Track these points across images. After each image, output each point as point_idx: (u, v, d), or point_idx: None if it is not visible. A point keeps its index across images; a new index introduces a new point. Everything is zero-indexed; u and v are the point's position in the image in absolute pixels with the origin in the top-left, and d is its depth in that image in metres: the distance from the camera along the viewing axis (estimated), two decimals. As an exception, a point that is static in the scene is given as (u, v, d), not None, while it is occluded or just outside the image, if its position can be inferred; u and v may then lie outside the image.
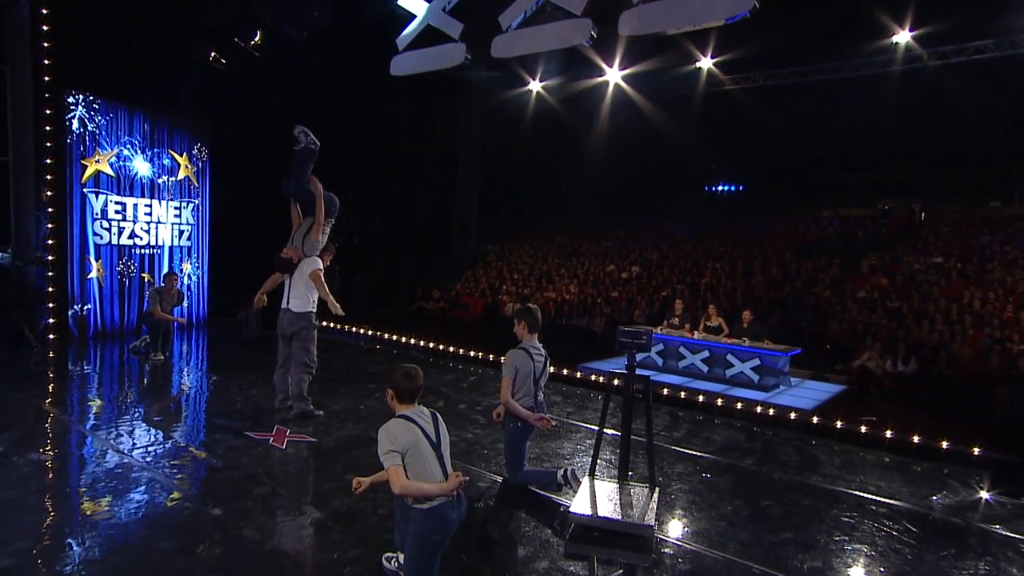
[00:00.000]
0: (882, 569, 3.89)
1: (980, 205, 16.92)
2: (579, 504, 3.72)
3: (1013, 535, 4.43)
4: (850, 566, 3.93)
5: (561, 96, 16.75)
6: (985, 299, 10.41)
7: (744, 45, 13.48)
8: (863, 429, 6.57)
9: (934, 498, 5.04)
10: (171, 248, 11.17)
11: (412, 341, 10.90)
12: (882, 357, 9.07)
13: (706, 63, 14.56)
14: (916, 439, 6.27)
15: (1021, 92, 13.94)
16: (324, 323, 6.93)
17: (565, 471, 4.64)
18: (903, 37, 12.66)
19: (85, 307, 10.01)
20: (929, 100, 14.81)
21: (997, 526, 4.58)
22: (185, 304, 10.78)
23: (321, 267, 6.25)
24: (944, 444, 6.13)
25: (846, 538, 4.27)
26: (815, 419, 6.96)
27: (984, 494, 5.16)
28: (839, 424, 6.70)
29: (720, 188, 23.58)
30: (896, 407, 8.01)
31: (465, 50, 7.44)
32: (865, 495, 5.01)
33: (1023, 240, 13.12)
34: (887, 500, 4.93)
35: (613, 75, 15.32)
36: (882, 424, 6.63)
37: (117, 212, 10.31)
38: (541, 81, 16.28)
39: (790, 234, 16.26)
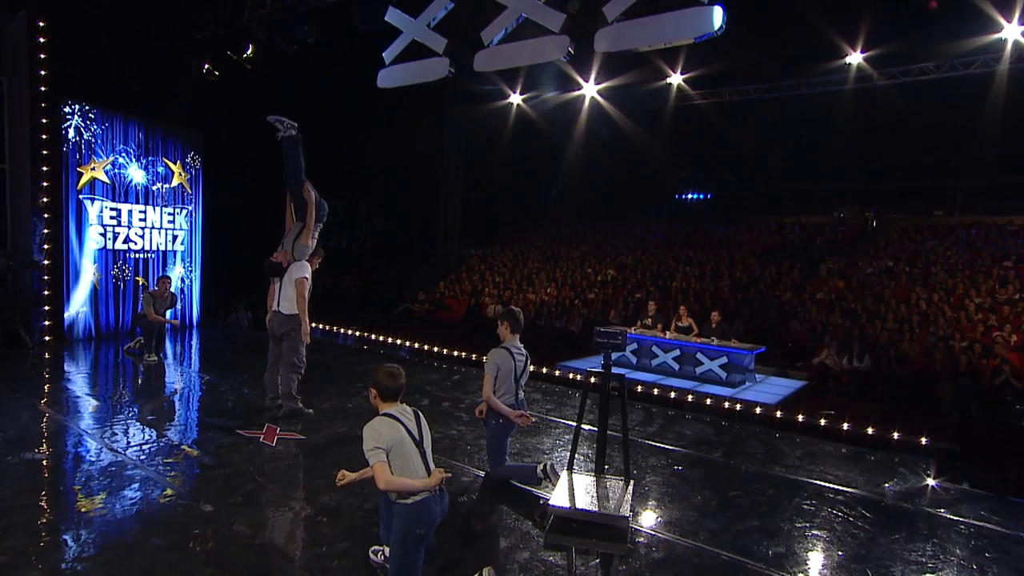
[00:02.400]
0: (840, 553, 3.94)
1: (926, 214, 17.37)
2: (558, 497, 3.71)
3: (956, 518, 4.52)
4: (811, 550, 3.97)
5: (540, 108, 16.81)
6: (930, 300, 10.66)
7: (711, 63, 13.67)
8: (822, 422, 6.68)
9: (886, 485, 5.13)
10: (165, 252, 10.95)
11: (398, 341, 10.82)
12: (839, 355, 9.23)
13: (676, 79, 14.72)
14: (870, 431, 6.39)
15: (960, 111, 14.36)
16: (313, 324, 6.83)
17: (544, 465, 4.63)
18: (855, 58, 12.95)
19: (80, 310, 9.77)
20: (880, 116, 15.17)
21: (942, 510, 4.67)
22: (178, 306, 10.55)
23: (308, 273, 6.15)
24: (895, 435, 6.25)
25: (807, 524, 4.33)
26: (778, 413, 7.06)
27: (930, 481, 5.26)
28: (800, 418, 6.80)
29: (689, 196, 23.79)
30: (852, 401, 8.16)
31: (449, 64, 7.42)
32: (824, 484, 5.08)
33: (963, 246, 13.49)
34: (844, 488, 5.00)
35: (589, 89, 15.42)
36: (839, 417, 6.74)
37: (112, 218, 10.08)
38: (521, 94, 16.31)
39: (754, 240, 16.48)
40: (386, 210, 20.63)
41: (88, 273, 9.82)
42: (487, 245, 19.15)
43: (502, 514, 4.29)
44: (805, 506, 4.64)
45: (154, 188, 10.66)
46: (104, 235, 9.99)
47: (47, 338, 9.35)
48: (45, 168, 9.22)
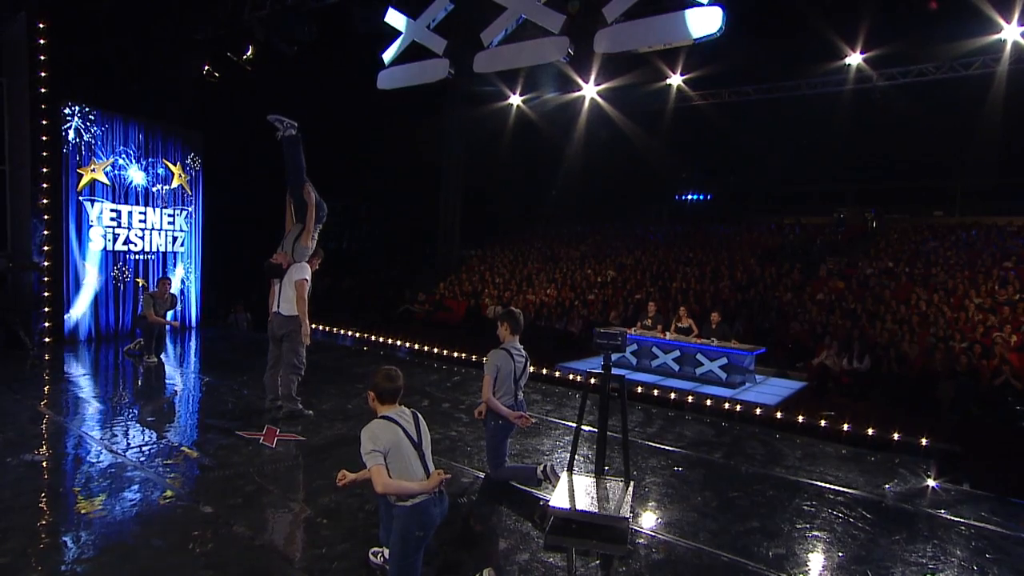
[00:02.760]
0: (840, 554, 3.94)
1: (926, 215, 17.39)
2: (558, 498, 3.71)
3: (956, 519, 4.52)
4: (811, 552, 3.97)
5: (540, 109, 16.82)
6: (930, 301, 10.65)
7: (711, 63, 13.69)
8: (822, 423, 6.67)
9: (887, 486, 5.13)
10: (165, 254, 10.95)
11: (398, 342, 10.82)
12: (839, 355, 9.22)
13: (676, 80, 14.73)
14: (870, 432, 6.38)
15: (959, 111, 14.39)
16: (313, 325, 6.81)
17: (544, 467, 4.63)
18: (855, 59, 12.96)
19: (80, 311, 9.77)
20: (879, 117, 15.18)
21: (943, 511, 4.67)
22: (178, 308, 10.56)
23: (308, 275, 6.15)
24: (895, 436, 6.25)
25: (807, 526, 4.32)
26: (778, 414, 7.05)
27: (931, 482, 5.26)
28: (800, 419, 6.79)
29: (689, 197, 23.82)
30: (852, 402, 8.15)
31: (448, 65, 7.42)
32: (824, 485, 5.08)
33: (963, 247, 13.49)
34: (844, 489, 5.00)
35: (589, 90, 15.44)
36: (840, 418, 6.73)
37: (112, 219, 10.08)
38: (521, 95, 16.32)
39: (754, 240, 16.47)
40: (386, 211, 20.64)
41: (90, 275, 9.82)
42: (487, 246, 19.15)
43: (502, 515, 4.29)
44: (805, 507, 4.63)
45: (154, 189, 10.66)
46: (104, 236, 9.99)
47: (47, 339, 9.35)
48: (45, 169, 9.22)
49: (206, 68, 10.74)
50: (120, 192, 10.16)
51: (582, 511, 3.58)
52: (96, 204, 9.84)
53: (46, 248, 9.34)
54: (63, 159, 9.36)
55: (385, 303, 15.27)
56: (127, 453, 5.10)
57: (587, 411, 4.18)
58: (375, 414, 3.04)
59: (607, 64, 13.65)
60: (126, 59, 10.10)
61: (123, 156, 10.16)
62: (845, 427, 6.52)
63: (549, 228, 20.09)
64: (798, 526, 4.30)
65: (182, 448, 5.31)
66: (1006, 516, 4.57)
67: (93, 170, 9.75)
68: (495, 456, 4.68)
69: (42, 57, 9.08)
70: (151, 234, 10.68)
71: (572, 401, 7.41)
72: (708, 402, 7.53)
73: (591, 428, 4.90)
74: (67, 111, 9.37)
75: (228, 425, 5.88)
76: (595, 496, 3.75)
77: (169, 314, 8.85)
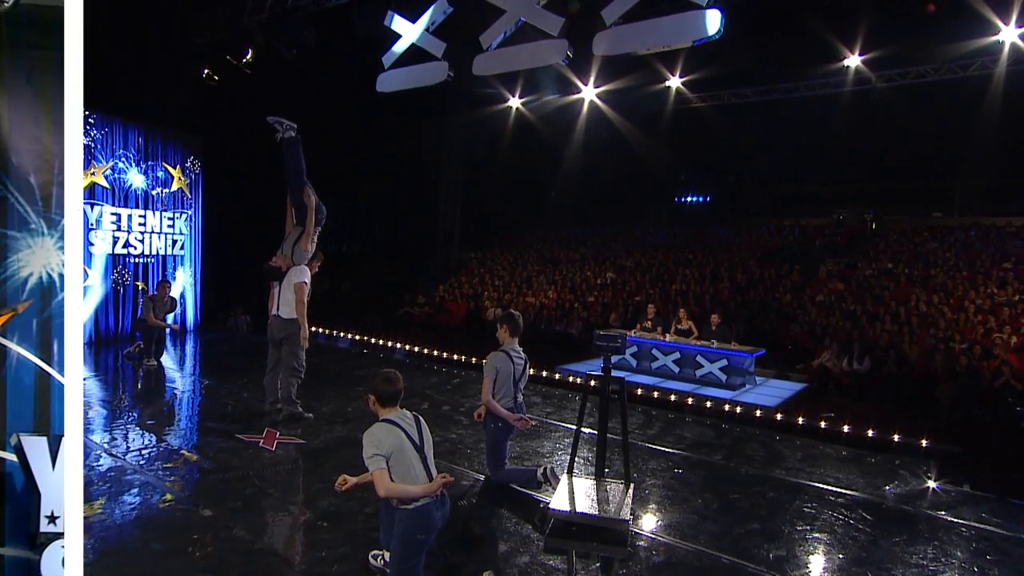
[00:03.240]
0: (841, 555, 3.93)
1: (925, 215, 17.40)
2: (558, 500, 3.70)
3: (957, 520, 4.52)
4: (811, 554, 3.97)
5: (539, 112, 16.84)
6: (929, 302, 10.65)
7: (710, 66, 13.70)
8: (822, 424, 6.66)
9: (887, 488, 5.12)
10: (164, 257, 10.94)
11: (398, 345, 10.81)
12: (839, 357, 9.20)
13: (675, 82, 14.74)
14: (870, 433, 6.37)
15: (958, 113, 14.41)
16: (313, 328, 6.80)
17: (544, 469, 4.62)
18: (854, 61, 12.99)
19: (84, 316, 9.76)
20: (878, 119, 15.21)
21: (943, 512, 4.66)
22: (177, 311, 10.55)
23: (307, 278, 6.15)
24: (896, 437, 6.24)
25: (808, 527, 4.32)
26: (779, 416, 7.04)
27: (931, 483, 5.26)
28: (800, 420, 6.78)
29: (688, 199, 23.83)
30: (852, 403, 8.14)
31: (448, 68, 7.44)
32: (825, 487, 5.07)
33: (962, 248, 13.50)
34: (845, 491, 4.99)
35: (588, 92, 15.46)
36: (840, 419, 6.72)
37: (112, 223, 10.08)
38: (520, 97, 16.34)
39: (754, 242, 16.47)
40: (385, 214, 20.66)
41: (91, 278, 9.81)
42: (486, 248, 19.15)
43: (502, 518, 4.28)
44: (806, 509, 4.63)
45: (154, 193, 10.66)
46: (104, 240, 9.99)
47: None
48: (45, 173, 9.22)
49: (206, 72, 10.77)
50: (120, 195, 10.16)
51: (582, 513, 3.57)
52: (96, 207, 9.84)
53: (46, 252, 9.33)
54: (63, 163, 9.36)
55: (385, 306, 15.26)
56: (126, 456, 5.10)
57: (587, 413, 4.18)
58: (376, 417, 3.04)
59: (606, 66, 13.67)
60: (126, 62, 10.11)
61: (123, 159, 10.16)
62: (845, 428, 6.51)
63: (548, 230, 20.09)
64: (798, 528, 4.30)
65: (182, 451, 5.30)
66: (1007, 517, 4.57)
67: (93, 173, 9.75)
68: (495, 458, 4.67)
69: (42, 61, 9.08)
70: (151, 237, 10.68)
71: (572, 403, 7.40)
72: (708, 404, 7.53)
73: (591, 430, 4.89)
74: (67, 115, 9.36)
75: (228, 428, 5.87)
76: (595, 498, 3.75)
77: (169, 317, 8.85)
